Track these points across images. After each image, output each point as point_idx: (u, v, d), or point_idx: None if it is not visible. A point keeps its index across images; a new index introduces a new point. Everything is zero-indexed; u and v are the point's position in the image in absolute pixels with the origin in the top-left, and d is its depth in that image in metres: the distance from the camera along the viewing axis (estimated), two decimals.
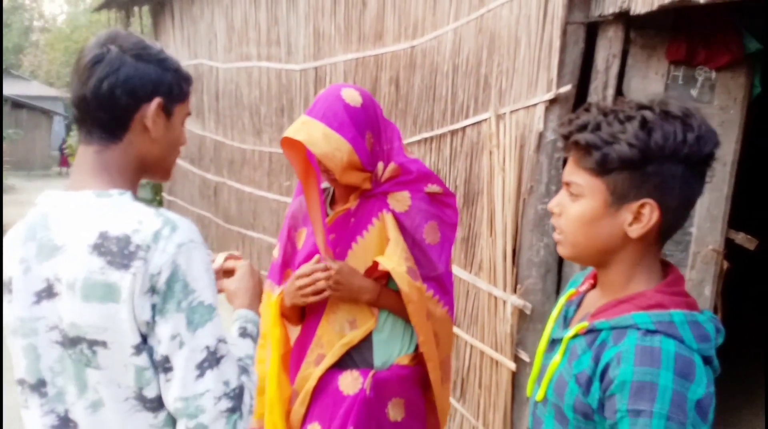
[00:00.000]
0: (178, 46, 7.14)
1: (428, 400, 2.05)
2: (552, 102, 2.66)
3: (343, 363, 1.93)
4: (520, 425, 2.94)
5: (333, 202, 2.01)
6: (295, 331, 2.06)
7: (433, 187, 1.93)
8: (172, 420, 1.21)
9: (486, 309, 3.06)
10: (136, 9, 8.19)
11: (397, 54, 3.74)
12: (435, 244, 1.92)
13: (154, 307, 1.14)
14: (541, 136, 2.72)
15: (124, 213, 1.17)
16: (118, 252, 1.13)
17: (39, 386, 1.21)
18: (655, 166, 1.05)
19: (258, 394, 2.01)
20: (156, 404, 1.19)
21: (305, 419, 1.96)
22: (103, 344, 1.15)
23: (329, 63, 4.47)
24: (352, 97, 1.82)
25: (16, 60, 30.34)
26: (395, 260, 1.83)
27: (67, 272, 1.16)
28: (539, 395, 1.22)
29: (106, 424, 1.20)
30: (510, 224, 2.87)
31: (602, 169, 1.08)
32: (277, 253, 2.08)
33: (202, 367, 1.15)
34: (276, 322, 1.98)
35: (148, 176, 1.31)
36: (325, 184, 1.99)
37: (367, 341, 1.93)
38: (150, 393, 1.18)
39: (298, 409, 1.96)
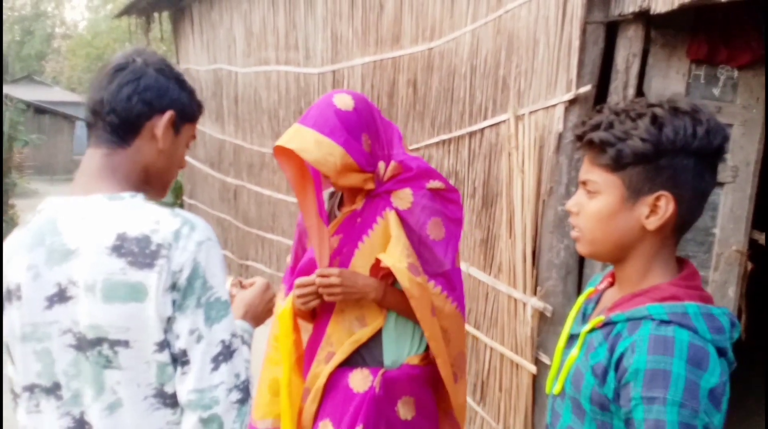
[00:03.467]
0: (198, 52, 7.20)
1: (442, 400, 2.05)
2: (572, 102, 2.64)
3: (354, 361, 1.95)
4: (541, 428, 2.92)
5: (341, 204, 2.03)
6: (307, 331, 2.08)
7: (435, 183, 1.94)
8: None
9: (506, 311, 3.04)
10: (156, 15, 8.27)
11: (415, 56, 3.74)
12: (440, 241, 1.93)
13: (174, 302, 1.17)
14: (560, 136, 2.70)
15: (140, 214, 1.20)
16: (139, 252, 1.16)
17: (54, 389, 1.23)
18: (668, 159, 1.09)
19: (273, 395, 2.05)
20: (175, 400, 1.22)
21: (317, 416, 1.99)
22: (126, 344, 1.17)
23: (347, 66, 4.48)
24: (343, 101, 1.85)
25: (39, 66, 30.78)
26: (396, 256, 1.84)
27: (84, 275, 1.18)
28: (557, 389, 1.24)
29: (122, 425, 1.22)
30: (529, 226, 2.86)
31: (617, 164, 1.12)
32: (289, 258, 2.12)
33: (217, 361, 1.19)
34: (287, 331, 2.00)
35: (147, 188, 1.34)
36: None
37: (376, 340, 1.95)
38: (170, 389, 1.21)
39: (310, 406, 1.98)
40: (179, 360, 1.19)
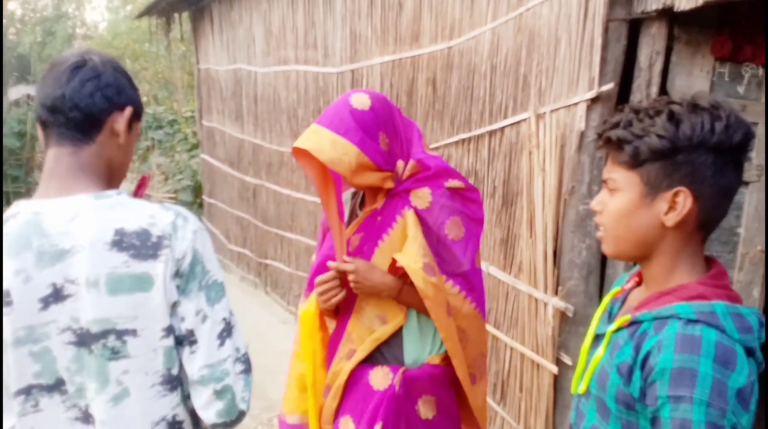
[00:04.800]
0: (218, 52, 7.24)
1: (464, 401, 2.05)
2: (594, 101, 2.62)
3: (375, 359, 1.96)
4: (562, 428, 2.90)
5: (363, 203, 2.04)
6: (330, 328, 2.10)
7: (454, 183, 1.93)
8: (186, 396, 1.35)
9: (526, 311, 3.03)
10: (176, 15, 8.32)
11: (434, 55, 3.73)
12: (459, 240, 1.92)
13: (178, 288, 1.26)
14: (582, 135, 2.68)
15: (133, 210, 1.27)
16: (141, 245, 1.23)
17: (58, 385, 1.26)
18: (685, 155, 1.10)
19: (301, 391, 2.07)
20: (178, 382, 1.31)
21: (338, 413, 2.01)
22: (134, 333, 1.24)
23: (366, 65, 4.48)
24: (359, 101, 1.85)
25: None
26: (411, 257, 1.84)
27: (84, 272, 1.22)
28: (582, 388, 1.24)
29: (126, 416, 1.27)
30: (550, 225, 2.84)
31: (635, 161, 1.13)
32: (314, 257, 2.13)
33: (222, 337, 1.30)
34: (310, 332, 2.00)
35: (110, 184, 1.37)
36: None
37: (397, 338, 1.95)
38: (176, 371, 1.30)
39: (331, 402, 2.00)
40: (187, 340, 1.29)
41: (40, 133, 1.35)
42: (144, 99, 20.66)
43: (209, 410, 1.31)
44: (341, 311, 2.02)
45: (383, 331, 1.94)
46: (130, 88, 1.37)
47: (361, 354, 1.94)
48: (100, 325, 1.23)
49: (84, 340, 1.24)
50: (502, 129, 3.18)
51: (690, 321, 1.07)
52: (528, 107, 2.97)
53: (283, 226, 6.00)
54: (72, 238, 1.23)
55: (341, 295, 1.92)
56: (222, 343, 1.30)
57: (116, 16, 28.79)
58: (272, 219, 6.25)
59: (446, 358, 1.97)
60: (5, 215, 1.29)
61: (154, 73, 19.07)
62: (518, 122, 3.06)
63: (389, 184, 1.90)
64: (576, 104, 2.69)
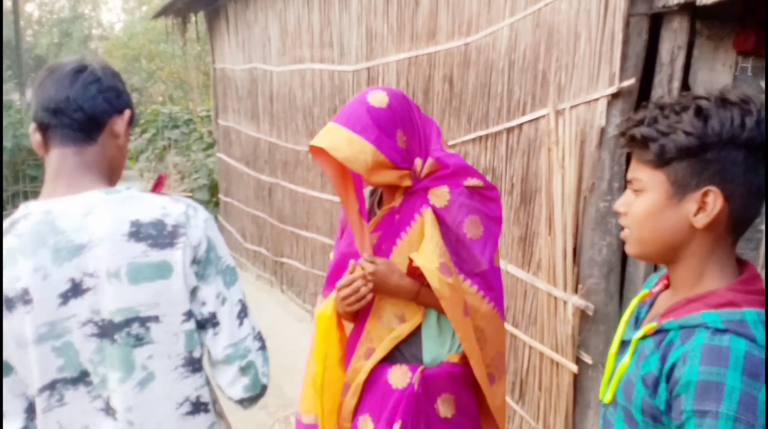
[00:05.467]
0: (233, 51, 7.26)
1: (484, 399, 2.03)
2: (615, 96, 2.59)
3: (393, 357, 1.95)
4: (582, 428, 2.87)
5: (381, 202, 2.03)
6: (348, 328, 2.08)
7: (472, 181, 1.91)
8: (207, 379, 1.41)
9: (545, 309, 3.00)
10: (191, 15, 8.35)
11: (451, 52, 3.71)
12: (477, 239, 1.90)
13: (196, 274, 1.33)
14: (603, 131, 2.65)
15: (145, 203, 1.32)
16: (158, 235, 1.28)
17: (83, 377, 1.30)
18: (714, 153, 1.04)
19: (317, 391, 2.05)
20: (200, 364, 1.37)
21: (356, 411, 2.00)
22: (156, 319, 1.29)
23: (382, 63, 4.46)
24: (377, 98, 1.84)
25: None
26: (427, 256, 1.83)
27: (104, 264, 1.25)
28: (608, 397, 1.20)
29: (152, 399, 1.31)
30: (570, 222, 2.81)
31: (661, 160, 1.08)
32: (332, 255, 2.13)
33: (241, 317, 1.38)
34: (326, 334, 1.99)
35: (110, 183, 1.42)
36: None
37: (416, 337, 1.94)
38: (197, 353, 1.36)
39: (350, 401, 1.99)
40: (209, 322, 1.36)
41: (37, 137, 1.36)
42: (160, 98, 20.77)
43: (235, 387, 1.38)
44: (359, 311, 2.00)
45: (402, 330, 1.92)
46: (126, 93, 1.43)
47: (380, 353, 1.93)
48: (123, 314, 1.27)
49: (107, 330, 1.27)
50: (521, 126, 3.16)
51: (718, 330, 1.02)
52: (547, 104, 2.94)
53: (299, 224, 6.01)
54: (88, 232, 1.26)
55: (364, 301, 1.90)
56: (241, 323, 1.38)
57: (132, 16, 28.98)
58: (288, 217, 6.25)
59: (465, 357, 1.95)
60: (14, 216, 1.30)
61: (170, 72, 19.20)
62: (537, 119, 3.03)
63: (407, 183, 1.89)
64: (596, 100, 2.66)
